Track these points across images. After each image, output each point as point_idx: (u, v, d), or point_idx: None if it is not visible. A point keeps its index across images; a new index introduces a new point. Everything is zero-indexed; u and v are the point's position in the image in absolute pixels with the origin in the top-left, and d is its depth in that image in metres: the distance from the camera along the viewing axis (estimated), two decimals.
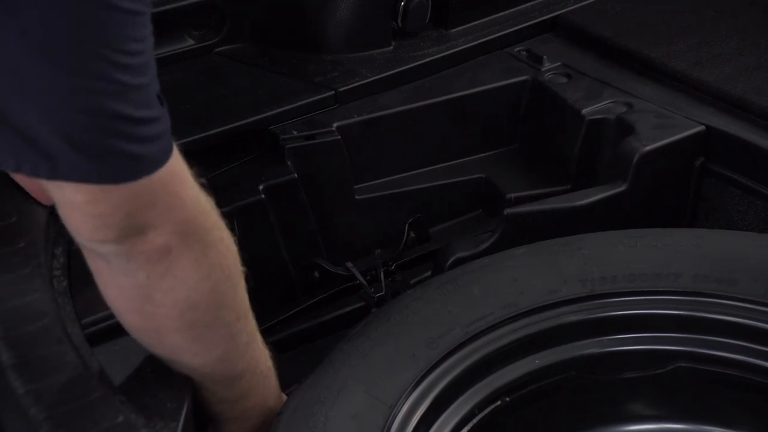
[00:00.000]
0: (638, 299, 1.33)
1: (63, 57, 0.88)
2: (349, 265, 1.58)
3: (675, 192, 1.66)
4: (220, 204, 1.38)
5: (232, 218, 1.41)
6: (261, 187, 1.51)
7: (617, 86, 1.75)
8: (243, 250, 1.13)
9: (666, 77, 1.77)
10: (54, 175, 0.93)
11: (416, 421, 1.18)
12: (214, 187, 1.46)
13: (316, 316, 1.55)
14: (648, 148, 1.57)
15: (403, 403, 1.18)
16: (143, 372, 1.12)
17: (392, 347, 1.23)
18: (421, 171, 1.72)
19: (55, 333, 1.09)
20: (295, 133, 1.57)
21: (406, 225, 1.65)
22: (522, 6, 1.95)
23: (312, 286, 1.59)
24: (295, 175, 1.54)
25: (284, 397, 1.24)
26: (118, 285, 1.05)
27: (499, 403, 1.29)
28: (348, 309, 1.56)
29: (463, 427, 1.25)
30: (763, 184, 1.62)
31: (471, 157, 1.75)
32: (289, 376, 1.33)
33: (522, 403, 1.31)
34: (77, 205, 0.96)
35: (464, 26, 1.90)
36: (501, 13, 1.93)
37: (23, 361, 1.05)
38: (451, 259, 1.49)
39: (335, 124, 1.61)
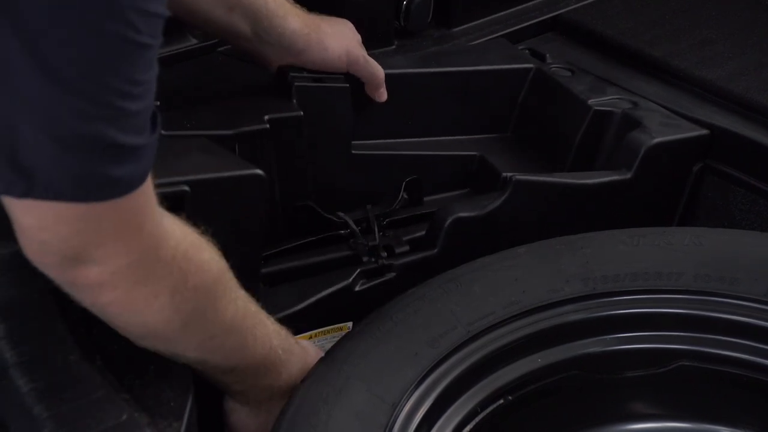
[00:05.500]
0: (640, 298, 1.33)
1: (70, 80, 0.87)
2: (341, 213, 1.56)
3: (672, 190, 1.67)
4: (225, 126, 1.39)
5: (234, 142, 1.42)
6: (266, 118, 1.48)
7: (620, 84, 1.75)
8: None
9: (669, 76, 1.78)
10: (29, 193, 0.91)
11: (419, 420, 1.18)
12: (221, 112, 1.46)
13: (304, 257, 1.53)
14: (656, 140, 1.59)
15: (406, 402, 1.18)
16: (146, 370, 1.12)
17: (394, 346, 1.23)
18: (417, 140, 1.72)
19: (58, 332, 1.10)
20: (305, 72, 1.56)
21: (403, 183, 1.63)
22: (524, 5, 1.95)
23: (298, 229, 1.57)
24: (301, 113, 1.52)
25: (307, 359, 1.24)
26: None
27: (501, 401, 1.29)
28: (337, 255, 1.53)
29: (465, 426, 1.25)
30: (766, 183, 1.62)
31: (467, 136, 1.75)
32: (272, 307, 1.34)
33: (524, 402, 1.31)
34: (24, 228, 0.95)
35: (466, 25, 1.90)
36: (503, 12, 1.93)
37: (27, 359, 1.05)
38: (450, 219, 1.49)
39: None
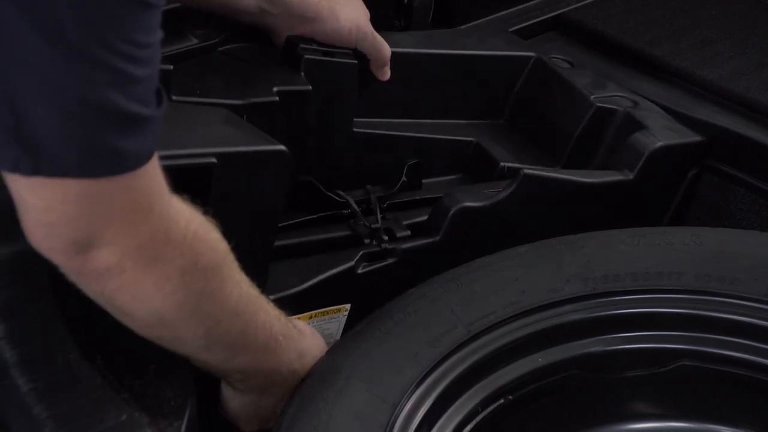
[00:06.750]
0: (641, 298, 1.33)
1: (73, 41, 0.85)
2: (341, 192, 1.55)
3: (670, 194, 1.68)
4: (234, 96, 1.37)
5: (243, 112, 1.40)
6: (275, 90, 1.46)
7: (621, 84, 1.75)
8: None
9: (669, 75, 1.78)
10: (37, 171, 0.89)
11: (419, 420, 1.18)
12: (230, 84, 1.45)
13: (303, 235, 1.51)
14: (660, 144, 1.59)
15: (406, 402, 1.18)
16: (146, 370, 1.12)
17: (394, 346, 1.23)
18: (413, 121, 1.70)
19: (58, 332, 1.10)
20: (314, 45, 1.54)
21: (405, 166, 1.62)
22: (525, 4, 1.95)
23: (298, 205, 1.54)
24: (310, 87, 1.49)
25: (306, 344, 1.23)
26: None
27: (502, 401, 1.29)
28: (338, 235, 1.51)
29: (466, 426, 1.25)
30: (766, 183, 1.62)
31: (461, 120, 1.74)
32: (273, 286, 1.36)
33: (525, 402, 1.31)
34: (29, 209, 0.93)
35: (467, 25, 1.90)
36: (504, 12, 1.93)
37: (27, 359, 1.05)
38: (456, 208, 1.47)
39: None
